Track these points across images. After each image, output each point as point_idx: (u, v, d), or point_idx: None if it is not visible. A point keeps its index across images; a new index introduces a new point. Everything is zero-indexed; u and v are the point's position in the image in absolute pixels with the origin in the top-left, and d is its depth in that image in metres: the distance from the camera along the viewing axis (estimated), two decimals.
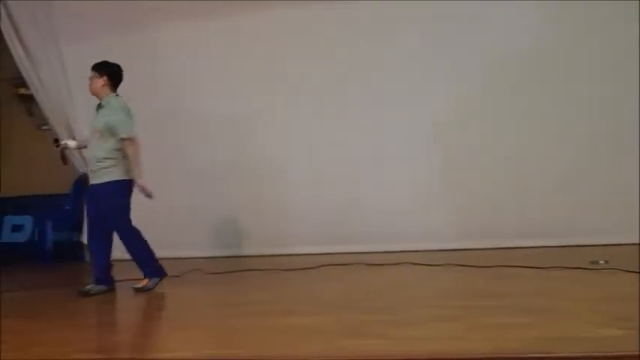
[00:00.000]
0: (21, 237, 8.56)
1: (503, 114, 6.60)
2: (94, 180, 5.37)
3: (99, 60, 5.37)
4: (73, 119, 7.80)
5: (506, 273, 5.14)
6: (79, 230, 7.96)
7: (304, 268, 6.02)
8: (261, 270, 6.12)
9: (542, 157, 6.51)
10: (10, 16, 7.73)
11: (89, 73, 5.39)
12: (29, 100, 8.57)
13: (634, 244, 5.90)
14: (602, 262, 5.17)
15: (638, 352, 2.92)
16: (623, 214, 6.17)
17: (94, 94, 5.39)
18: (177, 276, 5.98)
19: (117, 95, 5.41)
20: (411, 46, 6.80)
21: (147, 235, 5.41)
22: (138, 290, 5.33)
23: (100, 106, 5.36)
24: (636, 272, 4.66)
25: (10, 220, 8.63)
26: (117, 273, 5.56)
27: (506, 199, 6.53)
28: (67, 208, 7.87)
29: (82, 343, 3.81)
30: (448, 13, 6.65)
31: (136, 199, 5.31)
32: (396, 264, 5.85)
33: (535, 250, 6.16)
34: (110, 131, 5.27)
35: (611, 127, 6.33)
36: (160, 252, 6.85)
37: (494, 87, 6.60)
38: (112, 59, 5.38)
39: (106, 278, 5.44)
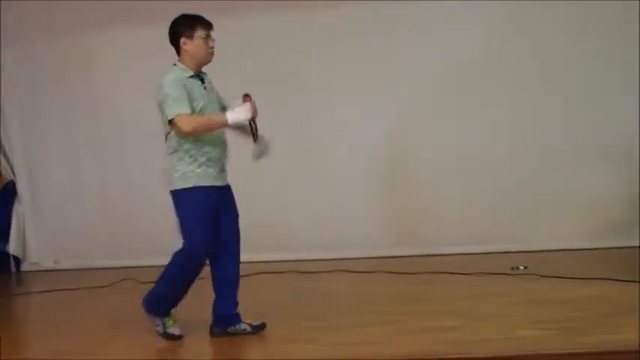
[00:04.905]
0: None
1: (435, 123, 6.62)
2: (224, 181, 4.02)
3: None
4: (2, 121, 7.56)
5: (434, 279, 5.34)
6: (6, 240, 7.72)
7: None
8: None
9: (474, 166, 6.53)
10: None
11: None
12: None
13: (559, 250, 6.17)
14: (522, 268, 5.46)
15: (552, 351, 3.19)
16: (551, 221, 6.35)
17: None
18: (107, 286, 5.94)
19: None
20: (357, 52, 6.67)
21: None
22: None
23: (203, 80, 3.84)
24: (551, 277, 4.98)
25: None
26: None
27: (438, 207, 6.59)
28: None
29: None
30: (399, 16, 6.49)
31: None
32: (329, 272, 5.94)
33: (459, 257, 6.33)
34: None
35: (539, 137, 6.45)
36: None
37: (437, 94, 6.52)
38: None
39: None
